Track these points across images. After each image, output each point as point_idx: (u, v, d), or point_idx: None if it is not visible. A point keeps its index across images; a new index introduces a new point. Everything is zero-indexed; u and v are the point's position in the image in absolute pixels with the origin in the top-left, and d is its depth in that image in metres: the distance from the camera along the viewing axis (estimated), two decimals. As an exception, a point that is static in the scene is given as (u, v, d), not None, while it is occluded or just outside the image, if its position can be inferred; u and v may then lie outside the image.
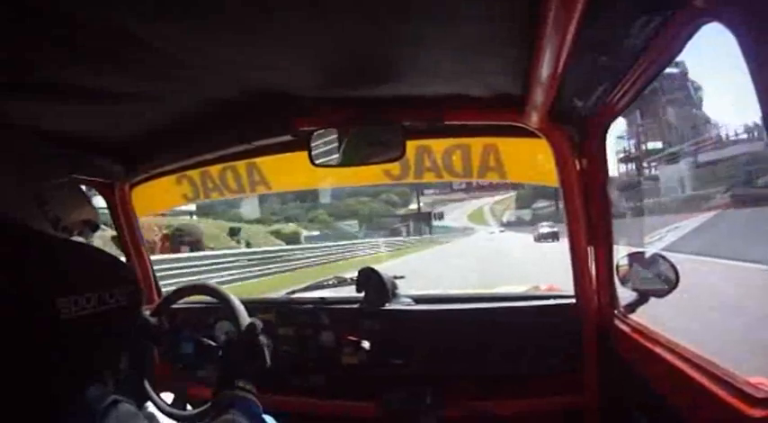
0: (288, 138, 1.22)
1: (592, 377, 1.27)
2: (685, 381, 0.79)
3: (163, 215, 13.29)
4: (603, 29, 0.74)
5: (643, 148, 34.65)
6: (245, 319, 1.08)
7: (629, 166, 34.80)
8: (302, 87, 1.06)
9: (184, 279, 6.57)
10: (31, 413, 0.49)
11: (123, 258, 1.67)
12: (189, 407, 1.27)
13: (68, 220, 0.73)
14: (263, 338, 1.01)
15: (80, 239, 0.77)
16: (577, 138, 1.17)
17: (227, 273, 10.85)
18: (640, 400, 1.03)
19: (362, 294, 1.51)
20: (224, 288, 1.20)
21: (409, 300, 1.52)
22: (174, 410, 1.20)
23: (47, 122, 1.07)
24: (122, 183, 1.58)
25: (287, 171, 1.59)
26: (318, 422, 1.44)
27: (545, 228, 27.25)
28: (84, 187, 1.35)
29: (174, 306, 1.31)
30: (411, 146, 1.31)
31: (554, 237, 24.79)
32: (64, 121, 1.10)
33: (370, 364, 1.41)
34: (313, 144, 1.16)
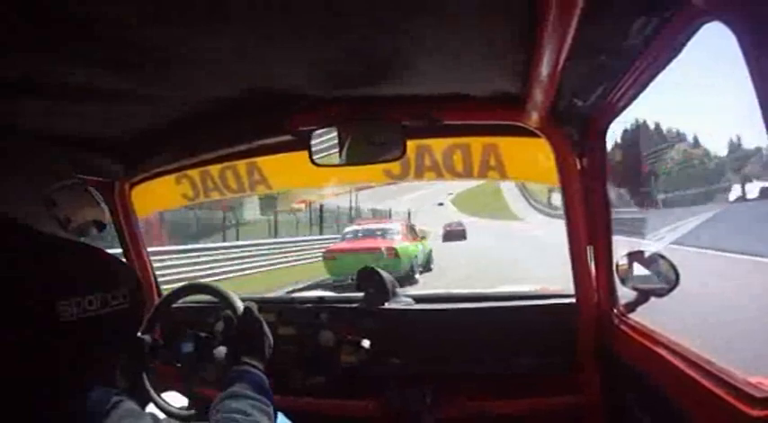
0: (288, 137, 1.23)
1: (592, 377, 1.27)
2: (685, 380, 0.80)
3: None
4: (603, 29, 0.73)
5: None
6: (241, 304, 1.10)
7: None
8: (302, 87, 1.06)
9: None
10: (34, 415, 0.49)
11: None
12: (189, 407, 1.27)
13: (78, 220, 0.73)
14: (260, 317, 1.02)
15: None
16: (577, 138, 1.17)
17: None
18: (640, 399, 1.03)
19: (362, 294, 1.51)
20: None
21: (409, 299, 1.52)
22: (175, 410, 1.20)
23: (47, 123, 1.07)
24: (122, 182, 1.58)
25: (287, 170, 1.59)
26: (318, 421, 1.44)
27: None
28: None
29: (174, 306, 1.31)
30: (411, 145, 1.31)
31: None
32: (64, 121, 1.10)
33: (370, 363, 1.41)
34: (313, 143, 1.16)
